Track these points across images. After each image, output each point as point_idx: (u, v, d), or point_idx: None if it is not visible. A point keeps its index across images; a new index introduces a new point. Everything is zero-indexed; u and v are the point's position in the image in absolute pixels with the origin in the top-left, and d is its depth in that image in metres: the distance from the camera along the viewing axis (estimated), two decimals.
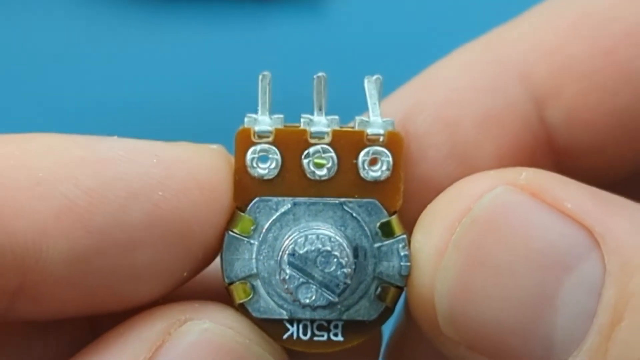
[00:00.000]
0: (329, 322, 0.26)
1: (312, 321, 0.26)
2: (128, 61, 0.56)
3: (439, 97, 0.27)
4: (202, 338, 0.24)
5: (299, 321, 0.26)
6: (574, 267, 0.23)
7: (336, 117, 0.26)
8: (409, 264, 0.25)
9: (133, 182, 0.24)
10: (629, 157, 0.28)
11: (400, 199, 0.26)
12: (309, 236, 0.25)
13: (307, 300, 0.25)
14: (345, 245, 0.25)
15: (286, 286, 0.25)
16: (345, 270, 0.25)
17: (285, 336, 0.26)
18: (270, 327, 0.26)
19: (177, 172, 0.25)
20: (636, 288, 0.23)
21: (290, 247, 0.25)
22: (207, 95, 0.53)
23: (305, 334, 0.26)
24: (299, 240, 0.25)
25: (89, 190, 0.24)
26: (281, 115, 0.26)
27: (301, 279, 0.25)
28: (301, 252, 0.25)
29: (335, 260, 0.25)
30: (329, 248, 0.25)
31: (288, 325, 0.26)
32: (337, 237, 0.25)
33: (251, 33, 0.56)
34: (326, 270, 0.25)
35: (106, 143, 0.25)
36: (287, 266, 0.25)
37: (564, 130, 0.27)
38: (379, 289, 0.26)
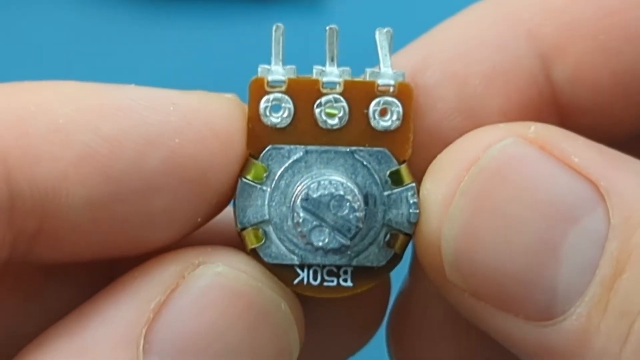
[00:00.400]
0: (338, 267, 0.26)
1: (322, 267, 0.26)
2: (127, 61, 0.56)
3: (447, 52, 0.27)
4: (215, 281, 0.25)
5: (309, 266, 0.26)
6: (578, 220, 0.24)
7: (348, 68, 0.26)
8: (417, 211, 0.26)
9: (151, 130, 0.25)
10: (633, 117, 0.28)
11: (409, 149, 0.26)
12: (322, 182, 0.25)
13: (320, 243, 0.25)
14: (356, 191, 0.25)
15: (300, 229, 0.25)
16: (357, 214, 0.25)
17: (295, 281, 0.26)
18: (281, 272, 0.26)
19: (194, 120, 0.25)
20: (638, 241, 0.23)
21: (304, 192, 0.25)
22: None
23: (315, 279, 0.26)
24: (312, 185, 0.25)
25: (109, 138, 0.24)
26: (293, 66, 0.26)
27: (314, 222, 0.25)
28: (314, 196, 0.25)
29: (347, 204, 0.25)
30: (341, 192, 0.25)
31: (299, 271, 0.26)
32: (349, 183, 0.25)
33: (251, 33, 0.57)
34: (339, 214, 0.25)
35: (125, 91, 0.25)
36: (301, 210, 0.25)
37: (569, 88, 0.28)
38: (388, 236, 0.26)
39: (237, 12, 0.57)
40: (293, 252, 0.26)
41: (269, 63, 0.26)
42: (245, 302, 0.25)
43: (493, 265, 0.24)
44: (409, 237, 0.26)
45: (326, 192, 0.25)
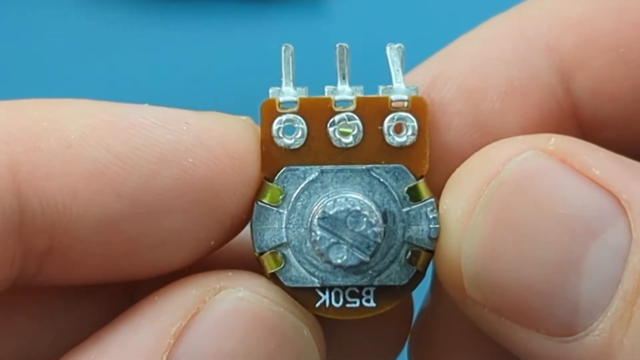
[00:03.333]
0: (360, 288, 0.26)
1: (344, 288, 0.26)
2: (127, 61, 0.56)
3: (464, 68, 0.27)
4: (237, 306, 0.25)
5: (330, 289, 0.26)
6: (600, 233, 0.23)
7: (360, 86, 0.26)
8: (437, 226, 0.25)
9: (164, 149, 0.25)
10: None
11: (426, 164, 0.26)
12: (338, 199, 0.25)
13: (339, 261, 0.25)
14: (374, 207, 0.25)
15: (317, 247, 0.25)
16: (375, 229, 0.25)
17: (317, 304, 0.26)
18: (302, 296, 0.26)
19: (207, 141, 0.25)
20: None
21: (320, 210, 0.25)
22: (207, 95, 0.53)
23: (337, 301, 0.26)
24: (328, 203, 0.25)
25: (120, 155, 0.24)
26: (305, 87, 0.26)
27: (332, 240, 0.25)
28: (331, 212, 0.25)
29: (364, 219, 0.25)
30: (358, 208, 0.25)
31: (320, 293, 0.26)
32: (366, 200, 0.25)
33: (251, 33, 0.57)
34: (356, 230, 0.25)
35: (137, 109, 0.25)
36: (318, 228, 0.25)
37: (589, 102, 0.27)
38: (409, 253, 0.26)
39: (237, 12, 0.57)
40: (313, 275, 0.26)
41: (279, 84, 0.26)
42: (267, 327, 0.25)
43: (513, 280, 0.24)
44: (430, 253, 0.26)
45: (342, 208, 0.25)
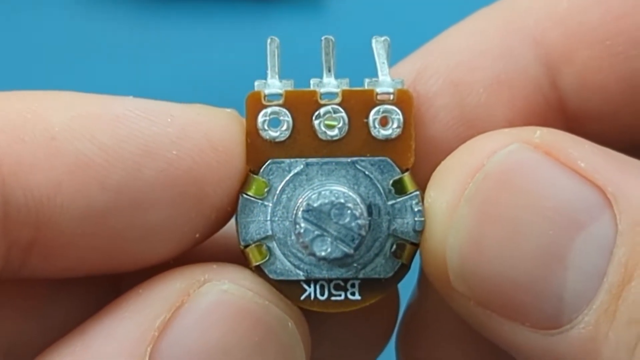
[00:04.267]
0: (345, 281, 0.26)
1: (329, 281, 0.26)
2: (127, 61, 0.56)
3: (450, 61, 0.27)
4: (221, 299, 0.25)
5: (315, 281, 0.26)
6: (585, 226, 0.23)
7: (346, 79, 0.26)
8: (422, 219, 0.25)
9: (148, 141, 0.24)
10: None
11: (412, 156, 0.26)
12: (322, 192, 0.25)
13: (323, 253, 0.25)
14: (358, 199, 0.25)
15: (301, 240, 0.25)
16: (359, 221, 0.25)
17: (302, 297, 0.26)
18: (287, 289, 0.26)
19: (192, 133, 0.25)
20: None
21: (305, 203, 0.25)
22: (208, 95, 0.53)
23: (322, 294, 0.26)
24: (313, 196, 0.25)
25: (105, 147, 0.24)
26: (291, 80, 0.26)
27: (316, 232, 0.25)
28: (315, 205, 0.25)
29: (349, 212, 0.25)
30: (342, 200, 0.25)
31: (305, 286, 0.26)
32: (350, 193, 0.25)
33: (251, 33, 0.57)
34: (340, 222, 0.25)
35: (121, 101, 0.25)
36: (302, 220, 0.25)
37: (576, 95, 0.27)
38: (394, 246, 0.26)
39: (237, 12, 0.57)
40: (298, 267, 0.26)
41: (265, 77, 0.26)
42: (251, 320, 0.25)
43: (499, 273, 0.24)
44: (415, 246, 0.26)
45: (327, 201, 0.25)
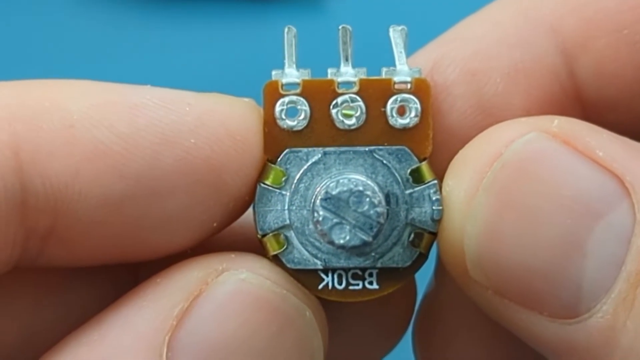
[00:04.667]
0: (363, 270, 0.26)
1: (347, 270, 0.26)
2: (127, 61, 0.56)
3: (467, 50, 0.27)
4: (239, 288, 0.24)
5: (333, 271, 0.26)
6: (604, 215, 0.23)
7: (364, 68, 0.26)
8: (440, 207, 0.25)
9: (166, 129, 0.24)
10: None
11: (429, 145, 0.26)
12: (341, 180, 0.25)
13: (342, 241, 0.25)
14: (376, 188, 0.25)
15: (320, 228, 0.25)
16: (377, 209, 0.25)
17: (320, 286, 0.26)
18: (305, 278, 0.26)
19: (210, 121, 0.25)
20: None
21: (323, 191, 0.25)
22: None
23: (340, 283, 0.26)
24: (331, 184, 0.25)
25: (123, 135, 0.24)
26: (308, 69, 0.26)
27: (335, 220, 0.25)
28: (334, 193, 0.25)
29: (367, 199, 0.25)
30: (361, 188, 0.25)
31: (323, 275, 0.26)
32: (368, 181, 0.25)
33: (251, 33, 0.57)
34: (359, 210, 0.25)
35: (139, 90, 0.25)
36: (321, 208, 0.25)
37: (592, 83, 0.27)
38: (412, 235, 0.26)
39: (237, 12, 0.57)
40: (316, 257, 0.26)
41: (282, 67, 0.26)
42: (268, 309, 0.25)
43: (516, 262, 0.24)
44: (433, 235, 0.26)
45: (345, 188, 0.25)
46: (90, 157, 0.24)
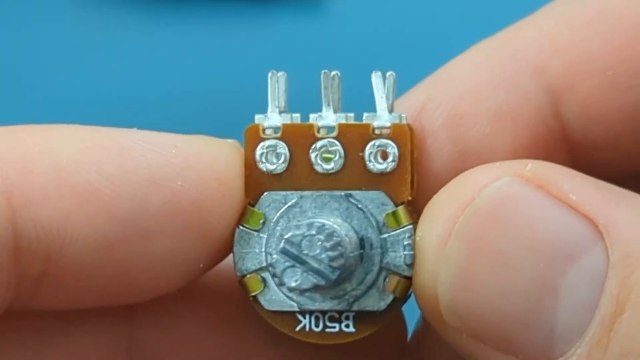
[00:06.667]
0: (340, 313, 0.26)
1: (324, 313, 0.26)
2: (127, 61, 0.56)
3: (453, 93, 0.27)
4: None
5: (310, 313, 0.26)
6: (577, 259, 0.23)
7: (352, 114, 0.26)
8: (412, 252, 0.26)
9: (154, 171, 0.25)
10: None
11: (407, 190, 0.26)
12: (299, 224, 0.25)
13: (294, 284, 0.25)
14: (343, 231, 0.25)
15: (273, 271, 0.25)
16: (330, 253, 0.25)
17: (297, 328, 0.26)
18: (283, 320, 0.26)
19: (196, 164, 0.25)
20: (638, 281, 0.23)
21: (282, 235, 0.25)
22: (208, 95, 0.53)
23: (317, 325, 0.26)
24: (292, 226, 0.25)
25: (112, 177, 0.25)
26: (290, 114, 0.26)
27: (287, 263, 0.25)
28: (286, 236, 0.25)
29: (319, 243, 0.25)
30: (313, 232, 0.25)
31: (300, 317, 0.26)
32: (333, 224, 0.25)
33: (251, 33, 0.57)
34: (311, 254, 0.25)
35: (127, 133, 0.26)
36: (276, 252, 0.25)
37: (579, 125, 0.27)
38: (387, 279, 0.26)
39: (237, 12, 0.57)
40: (292, 299, 0.26)
41: (266, 110, 0.26)
42: None
43: (490, 307, 0.24)
44: (408, 280, 0.26)
45: (299, 232, 0.25)
46: (80, 200, 0.24)
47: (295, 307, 0.26)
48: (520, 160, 0.25)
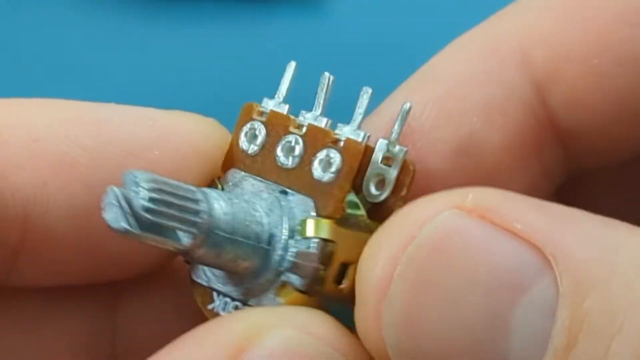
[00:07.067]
0: (244, 303, 0.26)
1: (232, 299, 0.26)
2: (127, 61, 0.56)
3: (440, 91, 0.27)
4: (284, 345, 0.24)
5: (224, 296, 0.26)
6: (526, 289, 0.22)
7: (331, 120, 0.26)
8: (293, 260, 0.25)
9: (131, 142, 0.26)
10: (634, 138, 0.28)
11: (332, 206, 0.25)
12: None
13: (106, 215, 0.24)
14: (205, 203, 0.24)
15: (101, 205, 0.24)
16: (149, 204, 0.23)
17: (209, 306, 0.27)
18: (202, 295, 0.27)
19: (173, 136, 0.26)
20: (589, 309, 0.22)
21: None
22: (207, 95, 0.52)
23: (223, 310, 0.26)
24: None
25: (88, 148, 0.26)
26: (284, 105, 0.27)
27: (113, 201, 0.23)
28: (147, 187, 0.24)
29: (135, 187, 0.23)
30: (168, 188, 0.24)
31: (215, 298, 0.27)
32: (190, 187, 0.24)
33: (251, 33, 0.56)
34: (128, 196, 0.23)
35: (104, 107, 0.27)
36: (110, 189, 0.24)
37: (566, 113, 0.27)
38: (280, 284, 0.26)
39: (237, 12, 0.56)
40: (205, 274, 0.26)
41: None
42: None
43: (439, 347, 0.23)
44: (300, 292, 0.25)
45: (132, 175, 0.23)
46: (56, 169, 0.25)
47: (204, 283, 0.26)
48: (461, 189, 0.24)
